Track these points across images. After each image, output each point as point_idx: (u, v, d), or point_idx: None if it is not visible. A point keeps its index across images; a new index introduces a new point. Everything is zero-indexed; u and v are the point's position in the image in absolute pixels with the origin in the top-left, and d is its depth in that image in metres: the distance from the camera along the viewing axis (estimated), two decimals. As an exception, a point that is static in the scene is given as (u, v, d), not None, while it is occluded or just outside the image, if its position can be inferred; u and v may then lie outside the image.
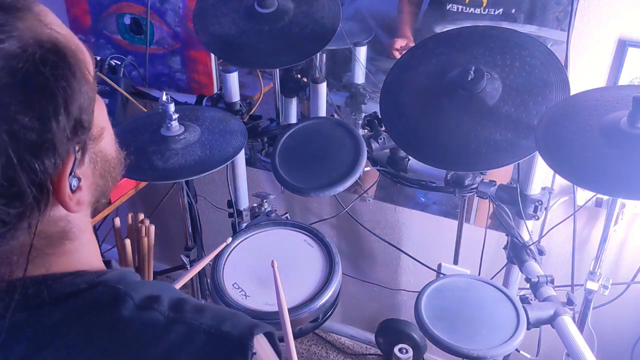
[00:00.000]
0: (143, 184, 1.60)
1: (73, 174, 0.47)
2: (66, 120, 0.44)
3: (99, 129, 0.51)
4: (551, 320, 1.10)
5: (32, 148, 0.42)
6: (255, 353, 0.50)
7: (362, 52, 1.44)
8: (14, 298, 0.47)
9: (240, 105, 1.41)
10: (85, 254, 0.54)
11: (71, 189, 0.47)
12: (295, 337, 0.87)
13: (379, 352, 1.99)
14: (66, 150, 0.45)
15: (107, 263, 0.57)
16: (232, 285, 1.10)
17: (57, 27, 0.46)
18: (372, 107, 1.43)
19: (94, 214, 0.55)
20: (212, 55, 1.56)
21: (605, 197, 1.40)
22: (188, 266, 1.59)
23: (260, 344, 0.52)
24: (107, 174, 0.53)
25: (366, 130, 1.29)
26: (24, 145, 0.42)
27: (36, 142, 0.42)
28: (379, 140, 1.23)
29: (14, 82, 0.41)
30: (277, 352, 0.54)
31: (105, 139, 0.52)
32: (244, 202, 1.55)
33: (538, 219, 1.24)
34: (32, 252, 0.47)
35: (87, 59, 0.48)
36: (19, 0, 0.44)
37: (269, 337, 0.54)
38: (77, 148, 0.47)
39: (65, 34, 0.46)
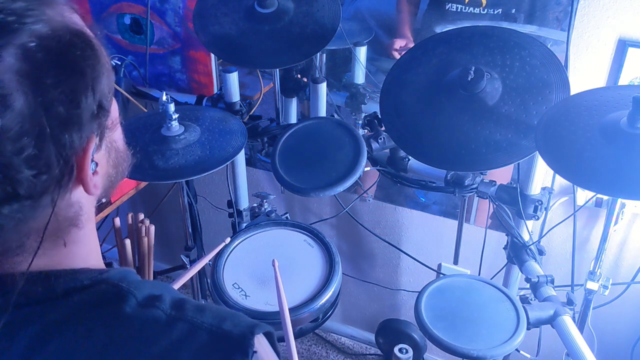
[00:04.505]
0: (143, 184, 1.60)
1: (92, 157, 0.49)
2: (92, 99, 0.47)
3: (114, 119, 0.54)
4: (551, 320, 1.10)
5: (62, 121, 0.45)
6: (255, 352, 0.50)
7: (362, 52, 1.44)
8: (19, 292, 0.47)
9: (240, 105, 1.41)
10: (87, 247, 0.54)
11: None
12: (295, 337, 0.87)
13: (379, 352, 1.99)
14: (90, 129, 0.48)
15: (108, 265, 0.58)
16: (232, 285, 1.10)
17: (79, 21, 0.49)
18: (372, 107, 1.43)
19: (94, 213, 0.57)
20: (212, 55, 1.56)
21: (605, 197, 1.40)
22: (188, 266, 1.59)
23: (261, 343, 0.52)
24: (119, 165, 0.56)
25: (366, 130, 1.29)
26: (55, 118, 0.44)
27: (66, 115, 0.45)
28: (379, 140, 1.23)
29: (48, 58, 0.44)
30: (277, 352, 0.55)
31: (117, 130, 0.55)
32: (244, 202, 1.55)
33: (538, 219, 1.24)
34: (43, 235, 0.48)
35: (106, 52, 0.51)
36: None
37: (269, 337, 0.54)
38: (97, 132, 0.49)
39: (87, 29, 0.50)
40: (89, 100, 0.46)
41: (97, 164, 0.51)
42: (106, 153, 0.53)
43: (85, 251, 0.54)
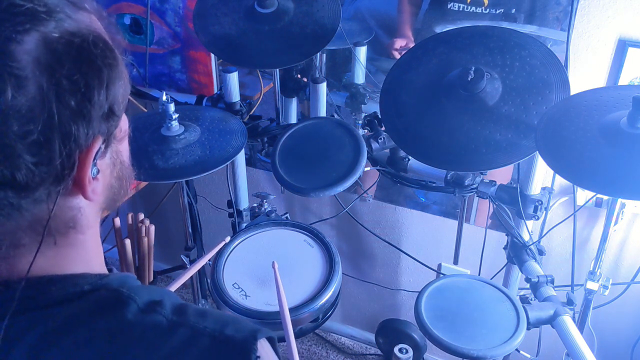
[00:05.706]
0: (143, 183, 1.60)
1: (95, 162, 0.49)
2: (105, 97, 0.47)
3: (123, 131, 0.54)
4: (551, 320, 1.10)
5: (72, 112, 0.45)
6: (259, 357, 0.50)
7: (362, 52, 1.44)
8: (17, 299, 0.47)
9: (240, 105, 1.41)
10: (87, 252, 0.54)
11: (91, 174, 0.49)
12: (295, 337, 0.87)
13: (379, 352, 1.99)
14: (98, 129, 0.48)
15: (108, 271, 0.58)
16: (232, 285, 1.10)
17: (104, 31, 0.50)
18: (372, 107, 1.43)
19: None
20: (212, 55, 1.56)
21: (605, 197, 1.40)
22: (188, 266, 1.59)
23: (264, 347, 0.52)
24: (122, 179, 0.56)
25: (366, 130, 1.28)
26: (66, 108, 0.45)
27: (76, 108, 0.45)
28: (379, 140, 1.23)
29: (68, 51, 0.45)
30: (278, 357, 0.55)
31: (125, 143, 0.56)
32: (244, 202, 1.55)
33: (538, 219, 1.24)
34: (44, 231, 0.48)
35: (125, 66, 0.52)
36: (81, 1, 0.49)
37: (271, 342, 0.54)
38: (104, 135, 0.49)
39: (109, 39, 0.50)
40: (101, 97, 0.47)
41: (99, 171, 0.50)
42: (111, 163, 0.53)
43: (86, 256, 0.54)
